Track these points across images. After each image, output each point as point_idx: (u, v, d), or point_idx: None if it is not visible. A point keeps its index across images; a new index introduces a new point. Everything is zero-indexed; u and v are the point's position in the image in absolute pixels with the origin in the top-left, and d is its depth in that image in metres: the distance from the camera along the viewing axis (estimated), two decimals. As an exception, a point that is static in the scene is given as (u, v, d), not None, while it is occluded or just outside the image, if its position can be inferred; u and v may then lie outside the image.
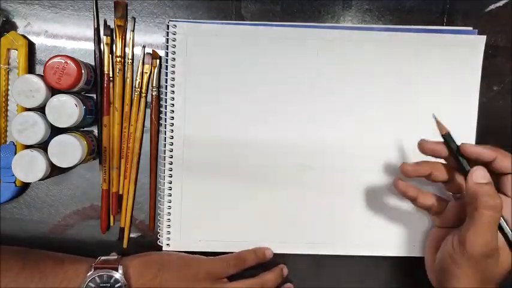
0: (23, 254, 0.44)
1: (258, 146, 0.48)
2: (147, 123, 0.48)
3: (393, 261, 0.47)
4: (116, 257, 0.45)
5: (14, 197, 0.48)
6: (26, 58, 0.46)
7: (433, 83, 0.48)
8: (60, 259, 0.44)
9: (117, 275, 0.42)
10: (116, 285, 0.42)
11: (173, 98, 0.47)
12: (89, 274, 0.42)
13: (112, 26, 0.47)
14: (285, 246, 0.49)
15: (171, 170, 0.48)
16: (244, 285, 0.46)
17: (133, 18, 0.48)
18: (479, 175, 0.37)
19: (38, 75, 0.44)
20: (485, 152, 0.38)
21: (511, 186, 0.38)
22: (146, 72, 0.47)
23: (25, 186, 0.48)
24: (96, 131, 0.48)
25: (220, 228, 0.49)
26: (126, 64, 0.47)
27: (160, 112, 0.48)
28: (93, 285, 0.42)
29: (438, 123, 0.40)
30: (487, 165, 0.38)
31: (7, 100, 0.46)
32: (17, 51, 0.46)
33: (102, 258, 0.44)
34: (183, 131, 0.47)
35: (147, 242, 0.49)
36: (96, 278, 0.42)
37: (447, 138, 0.39)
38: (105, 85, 0.47)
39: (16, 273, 0.41)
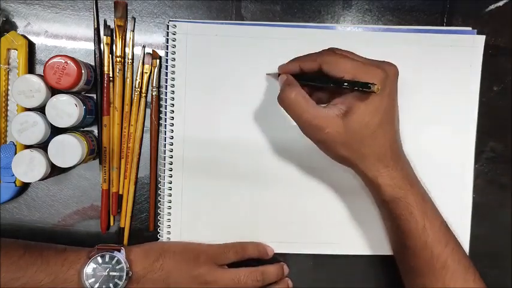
0: (25, 242, 0.44)
1: (257, 146, 0.48)
2: (147, 123, 0.48)
3: (393, 261, 0.47)
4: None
5: (14, 197, 0.48)
6: (26, 58, 0.46)
7: (433, 83, 0.48)
8: (62, 248, 0.44)
9: (120, 255, 0.42)
10: (118, 267, 0.42)
11: (173, 98, 0.47)
12: (91, 254, 0.42)
13: (112, 26, 0.47)
14: (285, 246, 0.49)
15: (171, 170, 0.48)
16: (243, 272, 0.45)
17: (134, 18, 0.48)
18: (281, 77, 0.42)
19: (38, 75, 0.44)
20: (306, 64, 0.41)
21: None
22: (146, 72, 0.47)
23: (25, 186, 0.48)
24: (96, 131, 0.48)
25: (220, 228, 0.49)
26: (126, 64, 0.47)
27: (160, 112, 0.48)
28: (95, 266, 0.42)
29: (272, 75, 0.46)
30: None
31: (7, 100, 0.46)
32: (17, 51, 0.46)
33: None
34: (183, 131, 0.47)
35: (147, 241, 0.49)
36: (99, 258, 0.42)
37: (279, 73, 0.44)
38: (105, 85, 0.47)
39: (18, 257, 0.41)
